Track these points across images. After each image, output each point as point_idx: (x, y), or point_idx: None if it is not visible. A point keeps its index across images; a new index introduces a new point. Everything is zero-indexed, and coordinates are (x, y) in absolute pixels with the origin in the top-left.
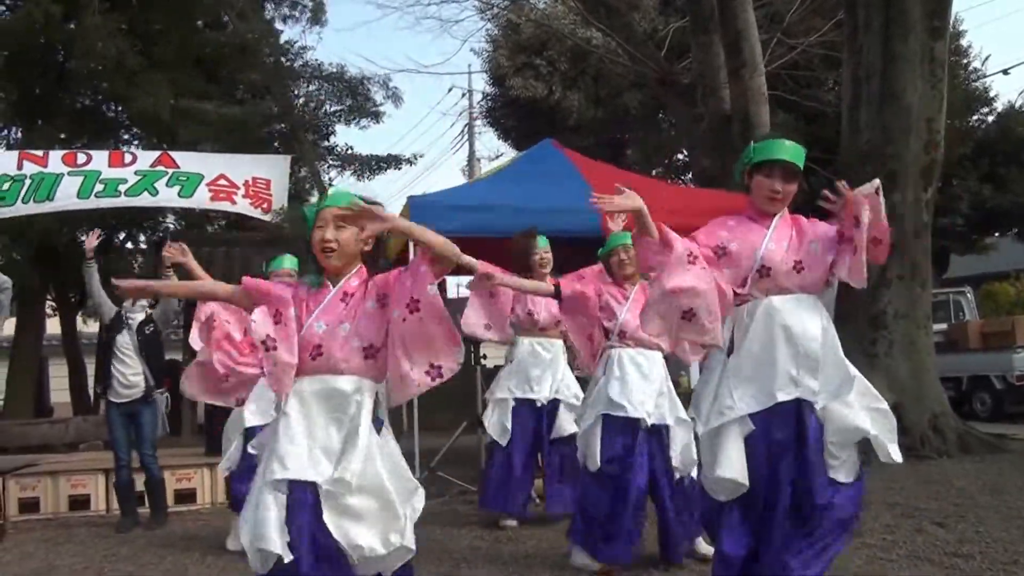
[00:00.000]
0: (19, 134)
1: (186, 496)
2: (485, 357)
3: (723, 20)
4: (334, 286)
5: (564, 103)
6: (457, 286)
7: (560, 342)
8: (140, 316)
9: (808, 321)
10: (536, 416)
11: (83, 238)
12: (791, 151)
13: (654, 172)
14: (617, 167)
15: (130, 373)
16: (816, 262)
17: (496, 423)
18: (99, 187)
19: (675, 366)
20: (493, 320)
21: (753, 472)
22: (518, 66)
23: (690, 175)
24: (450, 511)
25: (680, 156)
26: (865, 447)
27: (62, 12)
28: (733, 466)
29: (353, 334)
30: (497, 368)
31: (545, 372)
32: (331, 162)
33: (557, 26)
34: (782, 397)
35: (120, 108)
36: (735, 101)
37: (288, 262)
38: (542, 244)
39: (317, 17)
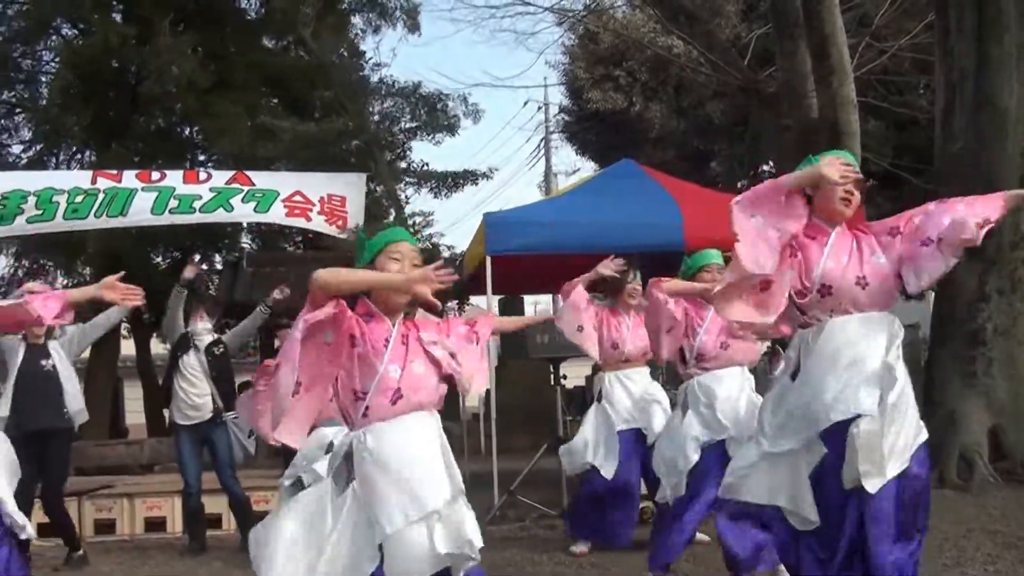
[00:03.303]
0: (93, 157)
1: (263, 518)
2: (565, 377)
3: (809, 25)
4: (392, 324)
5: (644, 115)
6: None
7: (647, 369)
8: (208, 337)
9: (872, 342)
10: (641, 444)
11: (157, 259)
12: (852, 157)
13: (739, 184)
14: (701, 180)
15: (196, 394)
16: (880, 274)
17: (598, 453)
18: (173, 203)
19: (764, 385)
20: (587, 325)
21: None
22: (596, 78)
23: None
24: (530, 536)
25: (766, 167)
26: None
27: (135, 34)
28: (767, 492)
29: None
30: (578, 388)
31: (641, 401)
32: (407, 179)
33: (636, 36)
34: (836, 417)
35: (195, 129)
36: (823, 109)
37: None
38: (635, 276)
39: (412, 24)
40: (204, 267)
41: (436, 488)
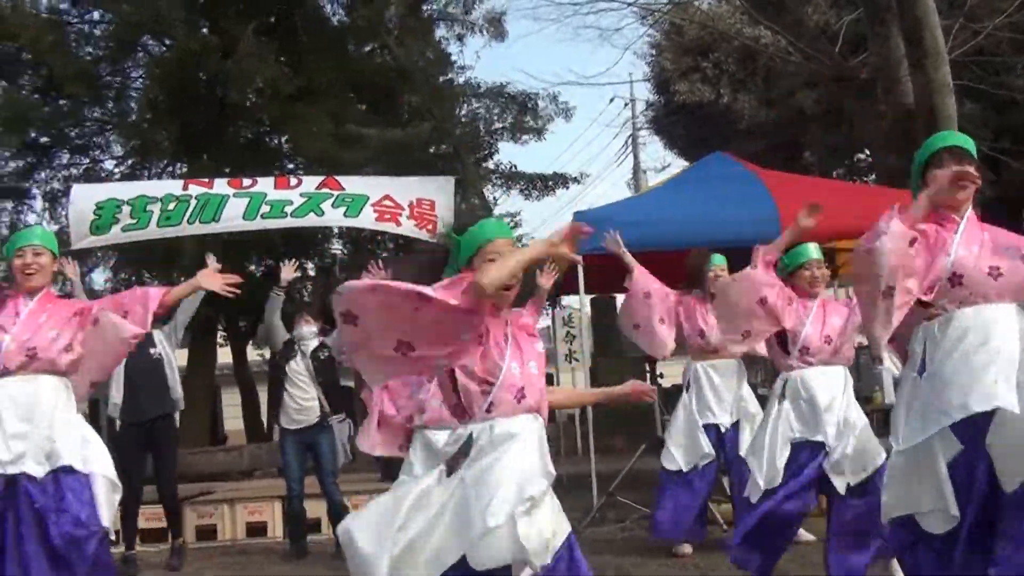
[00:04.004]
0: (184, 169)
1: None
2: (662, 376)
3: (901, 8)
4: (506, 321)
5: (733, 106)
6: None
7: (734, 361)
8: (313, 342)
9: (1006, 333)
10: (719, 441)
11: (250, 267)
12: (967, 140)
13: (834, 174)
14: (793, 172)
15: (303, 398)
16: (1015, 267)
17: (678, 450)
18: (265, 208)
19: (868, 380)
20: (642, 321)
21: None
22: (683, 70)
23: (873, 176)
24: (631, 537)
25: (861, 156)
26: None
27: (218, 44)
28: (926, 496)
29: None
30: (675, 387)
31: (723, 395)
32: (495, 181)
33: (723, 26)
34: (976, 408)
35: (283, 138)
36: (918, 94)
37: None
38: (717, 262)
39: (496, 31)
40: (298, 274)
41: (538, 486)
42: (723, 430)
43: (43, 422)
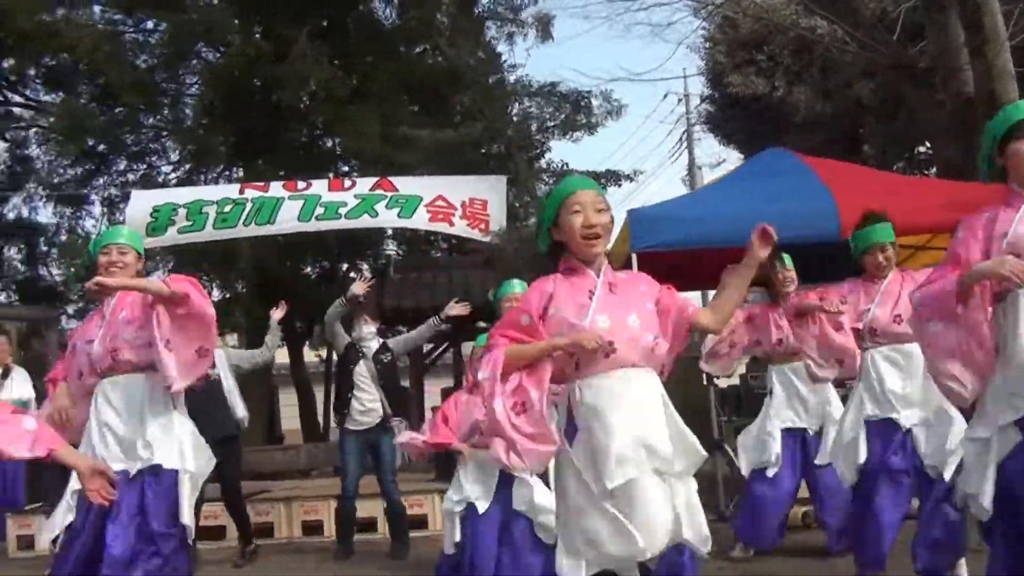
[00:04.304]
0: (240, 173)
1: (418, 522)
2: (718, 376)
3: None
4: (596, 274)
5: (789, 99)
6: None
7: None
8: (374, 343)
9: None
10: (802, 445)
11: (305, 269)
12: None
13: (894, 167)
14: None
15: (367, 400)
16: None
17: (743, 453)
18: (319, 210)
19: None
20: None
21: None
22: (737, 63)
23: (934, 169)
24: None
25: (921, 148)
26: None
27: (271, 49)
28: (978, 484)
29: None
30: (732, 388)
31: (807, 398)
32: (546, 180)
33: (777, 18)
34: None
35: (336, 141)
36: (978, 82)
37: (518, 287)
38: (785, 263)
39: (545, 32)
40: (352, 275)
41: (660, 441)
42: (810, 433)
43: (133, 420)
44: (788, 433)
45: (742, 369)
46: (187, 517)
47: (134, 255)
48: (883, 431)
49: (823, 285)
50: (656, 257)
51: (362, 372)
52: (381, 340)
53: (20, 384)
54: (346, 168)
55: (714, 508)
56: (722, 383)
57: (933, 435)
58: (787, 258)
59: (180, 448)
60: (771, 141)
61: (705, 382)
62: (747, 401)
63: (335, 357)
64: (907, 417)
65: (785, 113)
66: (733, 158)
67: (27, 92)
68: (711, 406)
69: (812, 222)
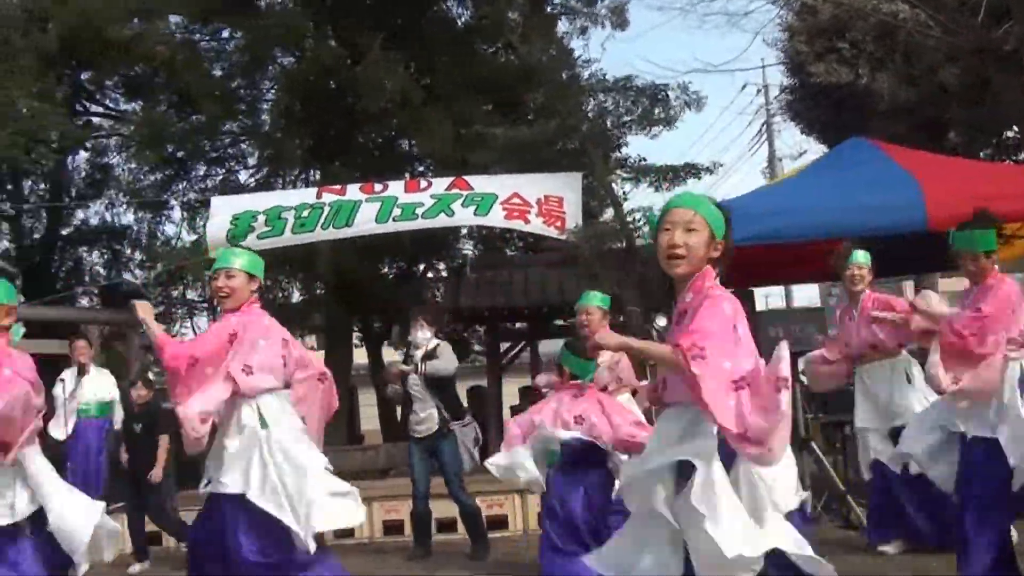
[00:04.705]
0: (317, 176)
1: (498, 523)
2: (804, 373)
3: None
4: (678, 297)
5: (872, 87)
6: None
7: (886, 362)
8: (420, 352)
9: None
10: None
11: (383, 270)
12: None
13: (981, 154)
14: (938, 153)
15: (420, 409)
16: None
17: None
18: (396, 211)
19: None
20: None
21: None
22: (818, 52)
23: (1023, 154)
24: None
25: (1009, 133)
26: None
27: (346, 54)
28: None
29: None
30: None
31: (878, 398)
32: (623, 175)
33: (858, 3)
34: None
35: (411, 142)
36: None
37: (594, 300)
38: (855, 259)
39: (620, 21)
40: (429, 275)
41: None
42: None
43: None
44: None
45: None
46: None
47: (242, 278)
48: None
49: (911, 278)
50: (737, 252)
51: (414, 382)
52: (436, 343)
53: (99, 385)
54: (421, 169)
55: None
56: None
57: None
58: (860, 254)
59: None
60: (853, 130)
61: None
62: (834, 398)
63: None
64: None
65: (868, 101)
66: (815, 149)
67: (106, 102)
68: (797, 403)
69: (897, 214)
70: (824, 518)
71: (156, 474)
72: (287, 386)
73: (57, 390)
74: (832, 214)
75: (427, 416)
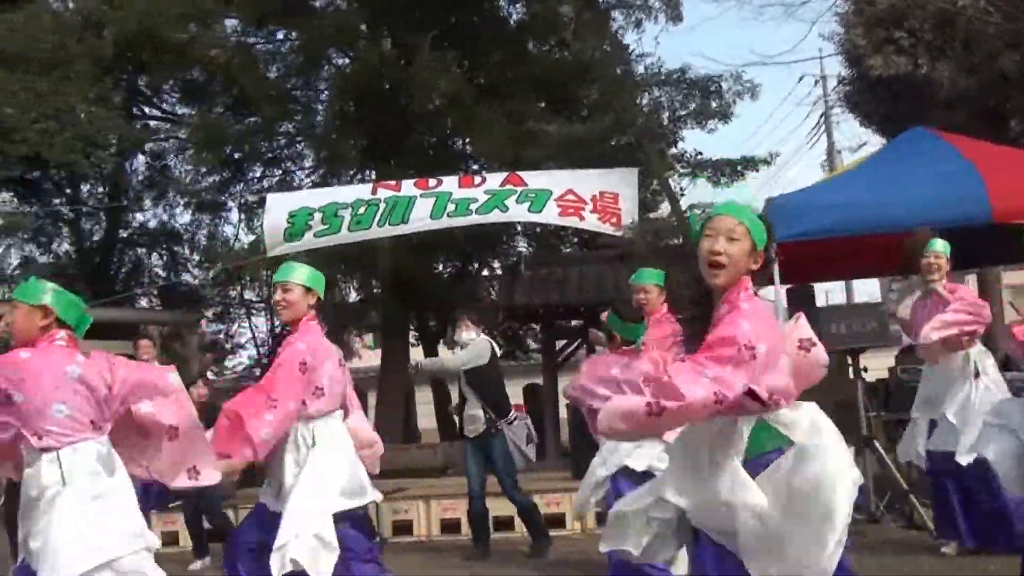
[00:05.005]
0: (372, 176)
1: (555, 521)
2: (866, 370)
3: None
4: (714, 306)
5: (932, 76)
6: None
7: (957, 355)
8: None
9: None
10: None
11: (438, 268)
12: None
13: None
14: (999, 142)
15: (469, 408)
16: None
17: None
18: (451, 207)
19: None
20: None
21: None
22: (876, 43)
23: None
24: None
25: None
26: None
27: (397, 54)
28: None
29: None
30: (880, 381)
31: (935, 390)
32: (680, 170)
33: None
34: None
35: (466, 141)
36: None
37: (649, 278)
38: (934, 247)
39: (674, 15)
40: (484, 273)
41: None
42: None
43: None
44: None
45: (891, 361)
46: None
47: (299, 291)
48: None
49: (973, 272)
50: (797, 247)
51: (461, 381)
52: (473, 340)
53: None
54: (475, 167)
55: (864, 509)
56: (870, 376)
57: None
58: (939, 243)
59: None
60: (913, 121)
61: (852, 375)
62: (896, 395)
63: None
64: None
65: (927, 91)
66: (874, 140)
67: (163, 106)
68: (859, 401)
69: (960, 206)
70: (887, 518)
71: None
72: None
73: None
74: (893, 207)
75: (475, 415)
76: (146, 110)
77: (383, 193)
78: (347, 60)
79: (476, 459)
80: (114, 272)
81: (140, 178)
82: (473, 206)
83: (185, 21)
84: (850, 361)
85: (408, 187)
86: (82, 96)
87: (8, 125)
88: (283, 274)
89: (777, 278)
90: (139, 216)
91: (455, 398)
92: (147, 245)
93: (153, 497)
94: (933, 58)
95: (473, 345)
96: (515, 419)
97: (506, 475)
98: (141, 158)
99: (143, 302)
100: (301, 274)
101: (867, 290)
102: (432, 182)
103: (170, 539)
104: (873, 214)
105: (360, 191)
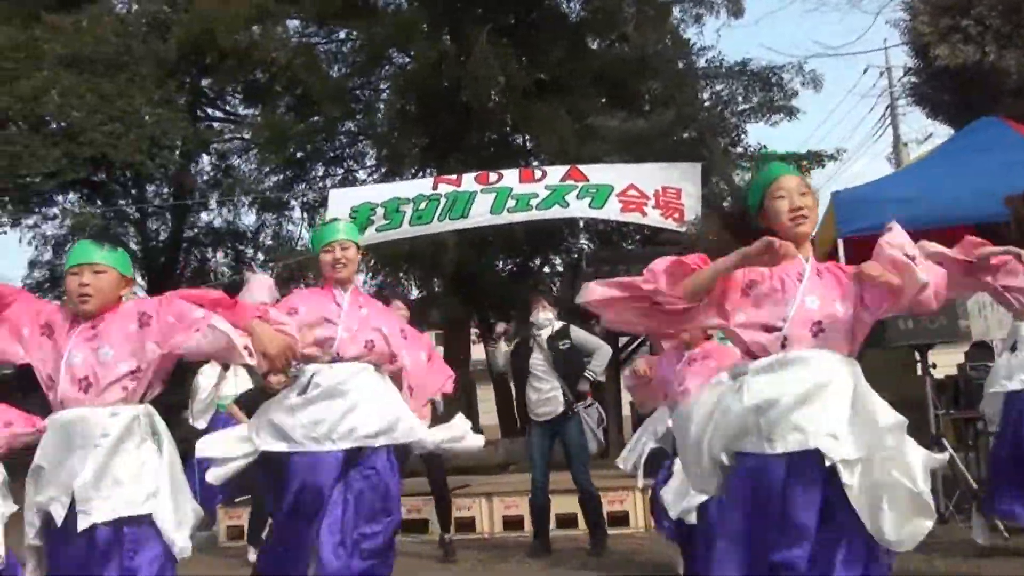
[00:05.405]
0: (432, 173)
1: (619, 519)
2: (934, 366)
3: None
4: (804, 259)
5: (1000, 65)
6: None
7: None
8: (547, 332)
9: None
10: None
11: (498, 265)
12: None
13: None
14: None
15: (546, 389)
16: None
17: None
18: (511, 203)
19: None
20: None
21: None
22: (942, 31)
23: None
24: None
25: None
26: None
27: (455, 50)
28: None
29: None
30: (949, 378)
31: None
32: (744, 166)
33: None
34: None
35: (525, 137)
36: None
37: None
38: None
39: (736, 9)
40: (546, 270)
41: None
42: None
43: (378, 401)
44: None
45: (960, 358)
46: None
47: (355, 249)
48: None
49: None
50: (864, 242)
51: (538, 361)
52: (561, 324)
53: (241, 379)
54: (536, 163)
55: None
56: (939, 373)
57: None
58: None
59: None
60: (980, 112)
61: (920, 372)
62: (966, 392)
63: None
64: None
65: (995, 80)
66: (941, 132)
67: (226, 107)
68: (927, 398)
69: None
70: (956, 518)
71: None
72: None
73: (202, 382)
74: (962, 200)
75: (551, 397)
76: (210, 111)
77: (444, 188)
78: (408, 59)
79: (544, 446)
80: (179, 271)
81: (204, 178)
82: (533, 201)
83: (248, 23)
84: (918, 357)
85: (468, 182)
86: (147, 98)
87: (75, 127)
88: (335, 233)
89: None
90: (204, 215)
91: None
92: (211, 244)
93: (219, 492)
94: (1001, 46)
95: (587, 336)
96: (590, 403)
97: (579, 459)
98: (205, 158)
99: None
100: (352, 232)
101: None
102: (492, 177)
103: (236, 533)
104: (941, 208)
105: (421, 186)
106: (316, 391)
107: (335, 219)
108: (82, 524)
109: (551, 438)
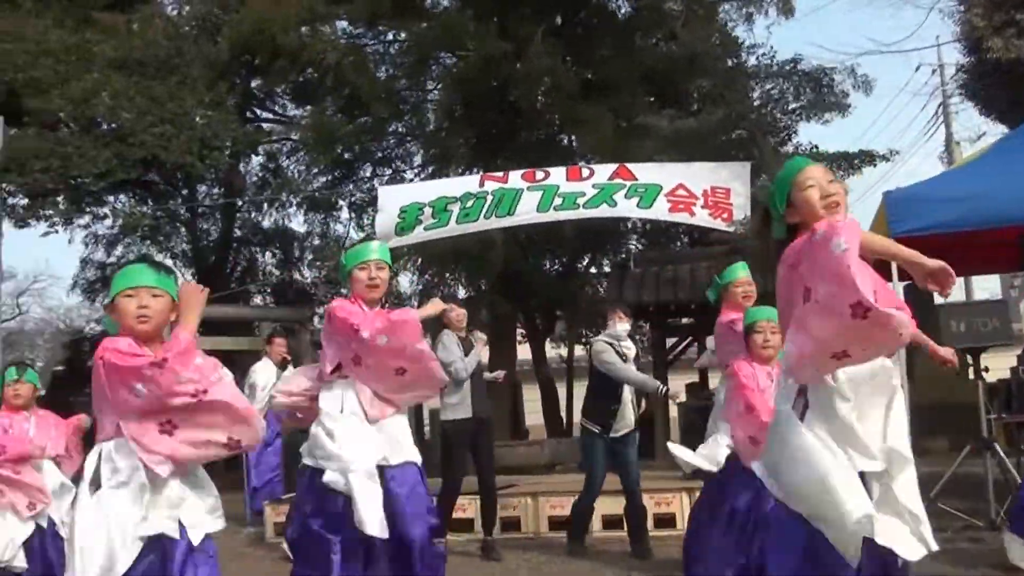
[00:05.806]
0: (480, 173)
1: (665, 521)
2: (987, 370)
3: None
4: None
5: None
6: None
7: None
8: (628, 342)
9: None
10: None
11: (545, 265)
12: None
13: None
14: None
15: (623, 408)
16: None
17: None
18: (558, 201)
19: None
20: None
21: None
22: (996, 25)
23: None
24: (955, 549)
25: None
26: None
27: (506, 50)
28: None
29: None
30: (1002, 381)
31: None
32: None
33: None
34: None
35: (572, 137)
36: None
37: (742, 271)
38: None
39: (786, 8)
40: (592, 270)
41: None
42: None
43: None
44: None
45: (1013, 361)
46: None
47: (388, 271)
48: None
49: None
50: (916, 242)
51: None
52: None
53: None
54: (583, 163)
55: (984, 515)
56: (991, 377)
57: None
58: None
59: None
60: None
61: (972, 375)
62: (1018, 396)
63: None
64: None
65: None
66: (994, 130)
67: (275, 108)
68: (979, 402)
69: None
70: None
71: None
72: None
73: (257, 381)
74: (1014, 200)
75: (627, 413)
76: (259, 112)
77: (490, 185)
78: (455, 59)
79: (609, 461)
80: (229, 270)
81: (254, 179)
82: (580, 200)
83: (298, 24)
84: (970, 361)
85: (515, 179)
86: (198, 100)
87: (126, 129)
88: (369, 253)
89: (895, 275)
90: (253, 215)
91: (562, 396)
92: (260, 244)
93: (266, 490)
94: None
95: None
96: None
97: (637, 474)
98: (255, 159)
99: (257, 299)
100: (385, 253)
101: (987, 287)
102: (539, 174)
103: (283, 530)
104: (994, 207)
105: (468, 183)
106: None
107: (371, 239)
108: None
109: (615, 453)
